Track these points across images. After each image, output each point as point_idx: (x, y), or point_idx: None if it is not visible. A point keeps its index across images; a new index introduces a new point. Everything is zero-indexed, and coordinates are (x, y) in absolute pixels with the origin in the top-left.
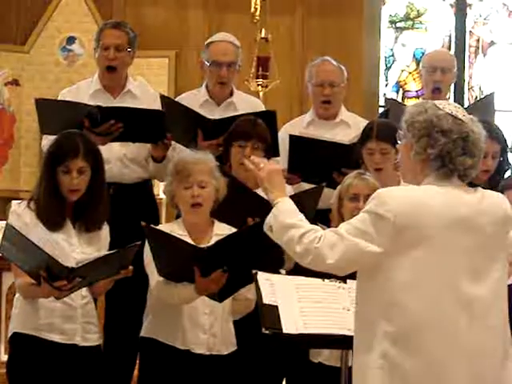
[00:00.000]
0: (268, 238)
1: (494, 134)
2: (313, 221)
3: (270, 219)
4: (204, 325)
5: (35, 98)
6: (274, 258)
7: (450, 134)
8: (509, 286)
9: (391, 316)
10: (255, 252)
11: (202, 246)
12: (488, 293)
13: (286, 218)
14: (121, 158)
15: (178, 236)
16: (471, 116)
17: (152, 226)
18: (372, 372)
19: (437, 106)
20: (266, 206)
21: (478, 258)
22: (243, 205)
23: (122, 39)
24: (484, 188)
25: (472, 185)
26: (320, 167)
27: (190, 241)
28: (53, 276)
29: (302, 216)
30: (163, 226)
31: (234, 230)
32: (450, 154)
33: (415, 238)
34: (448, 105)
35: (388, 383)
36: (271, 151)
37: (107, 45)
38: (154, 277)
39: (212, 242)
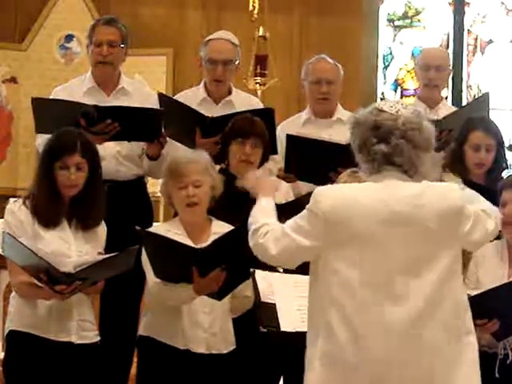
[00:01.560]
0: None
1: (487, 128)
2: None
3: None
4: (203, 324)
5: (32, 97)
6: None
7: (364, 124)
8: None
9: (326, 312)
10: (251, 249)
11: (199, 246)
12: (429, 288)
13: (252, 217)
14: (115, 156)
15: (175, 235)
16: (408, 109)
17: (147, 229)
18: (313, 364)
19: (374, 105)
20: None
21: (416, 253)
22: (241, 202)
23: (115, 35)
24: (482, 185)
25: (468, 180)
26: (317, 167)
27: (187, 240)
28: (53, 279)
29: (268, 212)
30: (160, 226)
31: (232, 227)
32: (366, 143)
33: (345, 235)
34: (387, 101)
35: (325, 376)
36: (270, 149)
37: (100, 41)
38: (152, 277)
39: (210, 240)
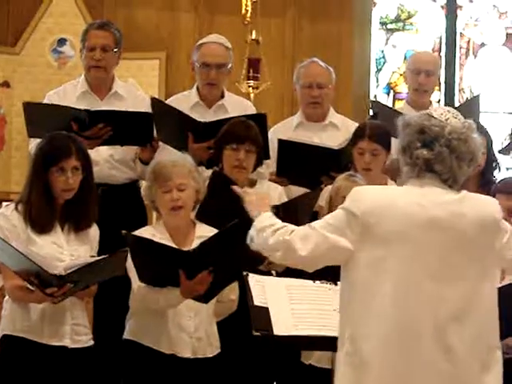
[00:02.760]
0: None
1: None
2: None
3: (250, 232)
4: (189, 328)
5: (23, 102)
6: (255, 255)
7: (411, 127)
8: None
9: (353, 317)
10: (238, 250)
11: (186, 249)
12: (460, 296)
13: (261, 223)
14: (108, 160)
15: (160, 240)
16: (458, 119)
17: (133, 233)
18: (341, 368)
19: (426, 110)
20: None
21: (451, 260)
22: (235, 204)
23: (108, 40)
24: (475, 186)
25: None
26: (308, 171)
27: (171, 244)
28: (44, 282)
29: (277, 220)
30: (145, 230)
31: (215, 230)
32: (410, 146)
33: (381, 237)
34: (439, 108)
35: (351, 380)
36: (263, 154)
37: (93, 45)
38: (137, 281)
39: (194, 244)
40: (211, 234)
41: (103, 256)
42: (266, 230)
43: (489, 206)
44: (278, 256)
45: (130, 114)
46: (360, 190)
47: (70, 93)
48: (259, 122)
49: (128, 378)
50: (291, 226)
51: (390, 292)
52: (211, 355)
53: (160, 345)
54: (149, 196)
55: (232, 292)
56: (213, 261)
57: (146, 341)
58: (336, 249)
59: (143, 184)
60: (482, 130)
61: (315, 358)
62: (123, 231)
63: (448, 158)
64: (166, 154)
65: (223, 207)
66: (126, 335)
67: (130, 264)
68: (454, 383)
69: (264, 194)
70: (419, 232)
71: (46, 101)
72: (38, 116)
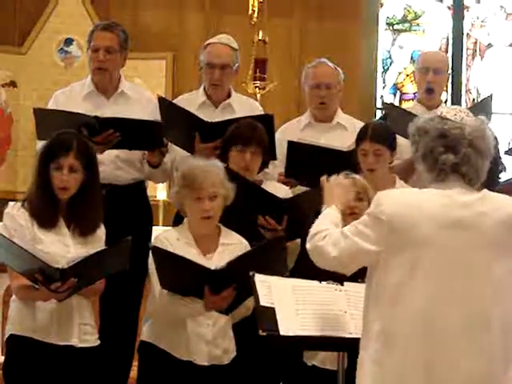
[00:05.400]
0: (275, 253)
1: None
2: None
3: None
4: (207, 337)
5: (33, 108)
6: (279, 270)
7: (430, 132)
8: None
9: (382, 317)
10: (264, 267)
11: (210, 255)
12: (487, 295)
13: (315, 224)
14: (114, 160)
15: (185, 244)
16: (471, 117)
17: (160, 247)
18: (365, 367)
19: (437, 113)
20: (274, 202)
21: (476, 259)
22: (253, 203)
23: (112, 41)
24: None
25: None
26: (317, 172)
27: (196, 249)
28: (49, 279)
29: (330, 220)
30: (169, 232)
31: (240, 238)
32: (433, 152)
33: (408, 240)
34: (449, 108)
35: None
36: (269, 155)
37: (97, 47)
38: (159, 287)
39: (218, 251)
40: (236, 241)
41: (103, 248)
42: (310, 233)
43: (510, 205)
44: (315, 261)
45: (140, 122)
46: (383, 194)
47: (77, 92)
48: (266, 122)
49: (144, 380)
50: (326, 231)
51: (420, 293)
52: (227, 362)
53: (177, 351)
54: (177, 200)
55: (250, 300)
56: (238, 278)
57: (163, 345)
58: (363, 252)
59: (172, 187)
60: None
61: (319, 360)
62: (151, 244)
63: (473, 157)
64: (176, 154)
65: (242, 206)
66: (144, 337)
67: (152, 269)
68: (480, 379)
69: (345, 185)
70: (444, 233)
71: (52, 100)
72: (48, 121)
